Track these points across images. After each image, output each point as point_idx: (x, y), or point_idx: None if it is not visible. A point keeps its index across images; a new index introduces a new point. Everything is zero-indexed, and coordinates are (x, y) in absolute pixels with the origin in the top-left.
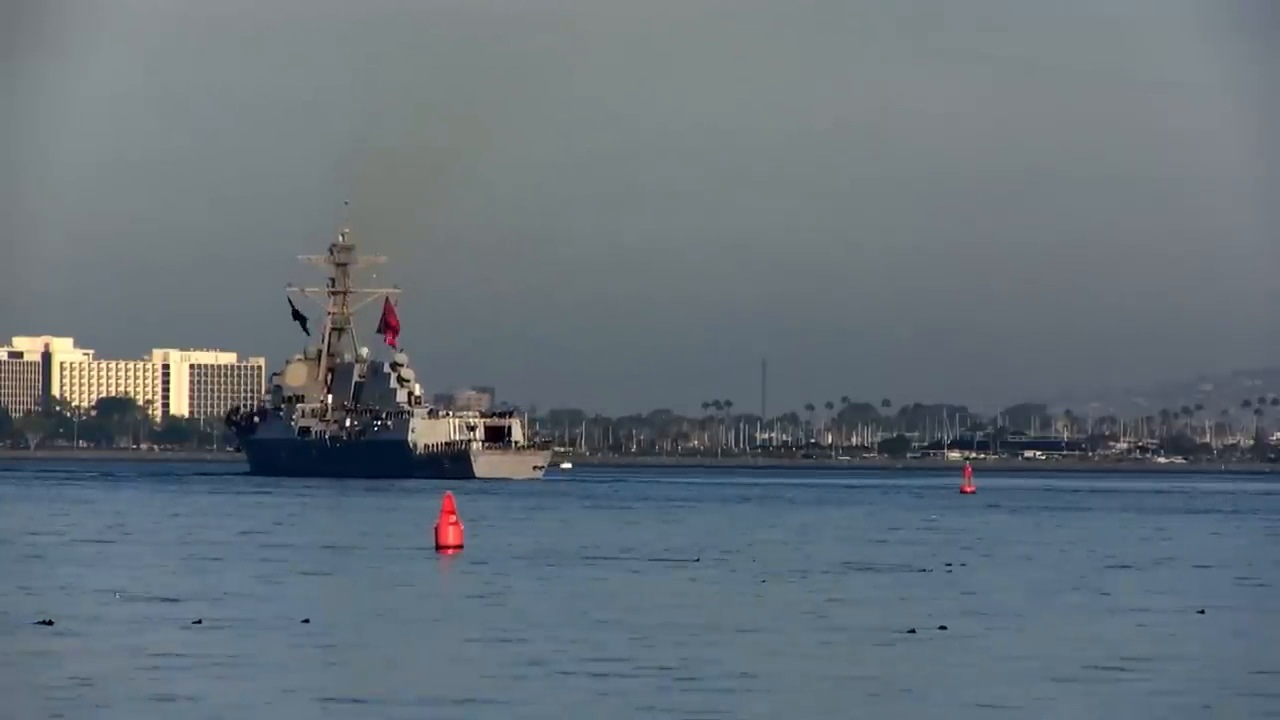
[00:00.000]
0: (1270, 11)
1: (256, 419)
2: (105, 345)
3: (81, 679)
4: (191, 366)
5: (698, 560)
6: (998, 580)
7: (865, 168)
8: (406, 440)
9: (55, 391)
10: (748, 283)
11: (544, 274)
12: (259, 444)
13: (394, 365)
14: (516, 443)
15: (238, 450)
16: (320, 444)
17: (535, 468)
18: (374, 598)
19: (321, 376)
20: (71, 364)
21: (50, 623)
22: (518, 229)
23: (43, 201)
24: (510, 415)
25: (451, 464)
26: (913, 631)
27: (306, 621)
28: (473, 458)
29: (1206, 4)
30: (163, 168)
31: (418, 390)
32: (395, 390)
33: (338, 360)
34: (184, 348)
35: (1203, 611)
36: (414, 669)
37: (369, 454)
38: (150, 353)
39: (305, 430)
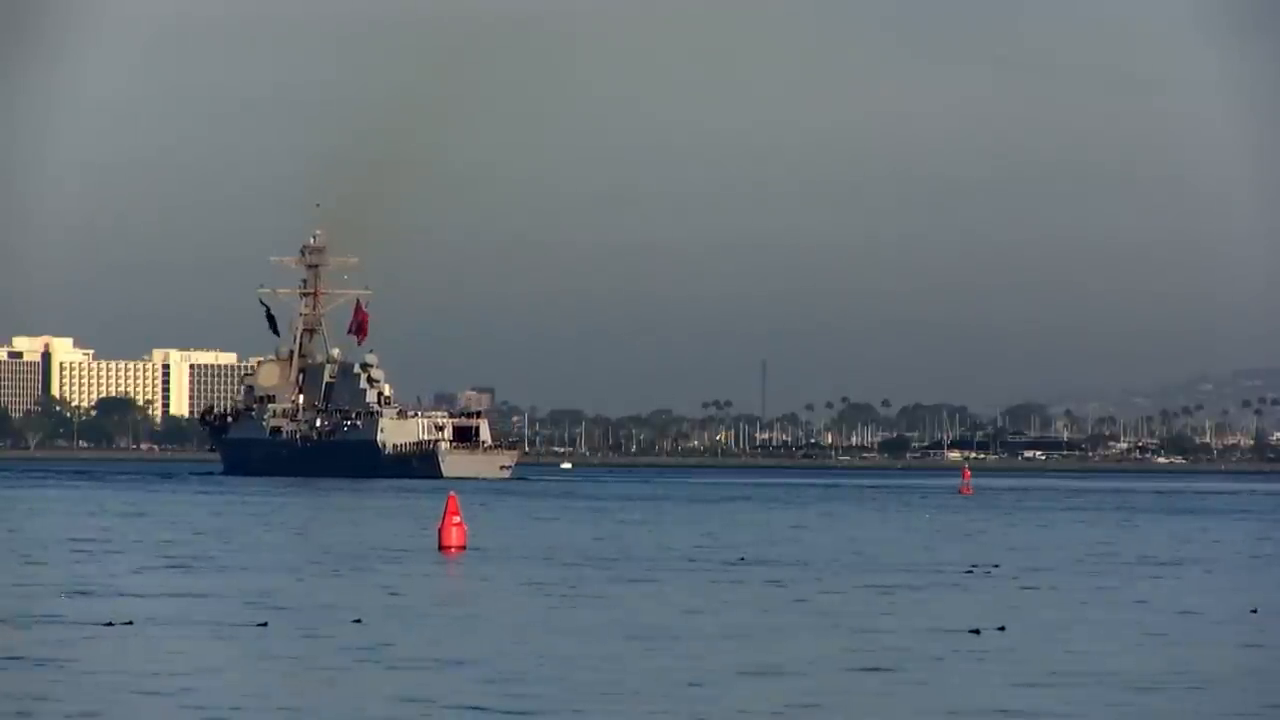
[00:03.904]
0: (1270, 11)
1: (230, 419)
2: (105, 345)
3: (177, 683)
4: (191, 366)
5: (742, 559)
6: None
7: (866, 168)
8: (376, 440)
9: (55, 391)
10: (748, 283)
11: (544, 274)
12: (232, 444)
13: (364, 366)
14: (484, 443)
15: (212, 450)
16: (291, 444)
17: (502, 467)
18: (406, 596)
19: (293, 377)
20: (71, 364)
21: (131, 623)
22: (518, 229)
23: (42, 201)
24: (479, 416)
25: (420, 464)
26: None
27: (359, 621)
28: (440, 457)
29: (1206, 4)
30: (161, 168)
31: (387, 390)
32: (365, 391)
33: (309, 361)
34: (184, 348)
35: (1255, 611)
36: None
37: (339, 454)
38: (150, 353)
39: (277, 430)
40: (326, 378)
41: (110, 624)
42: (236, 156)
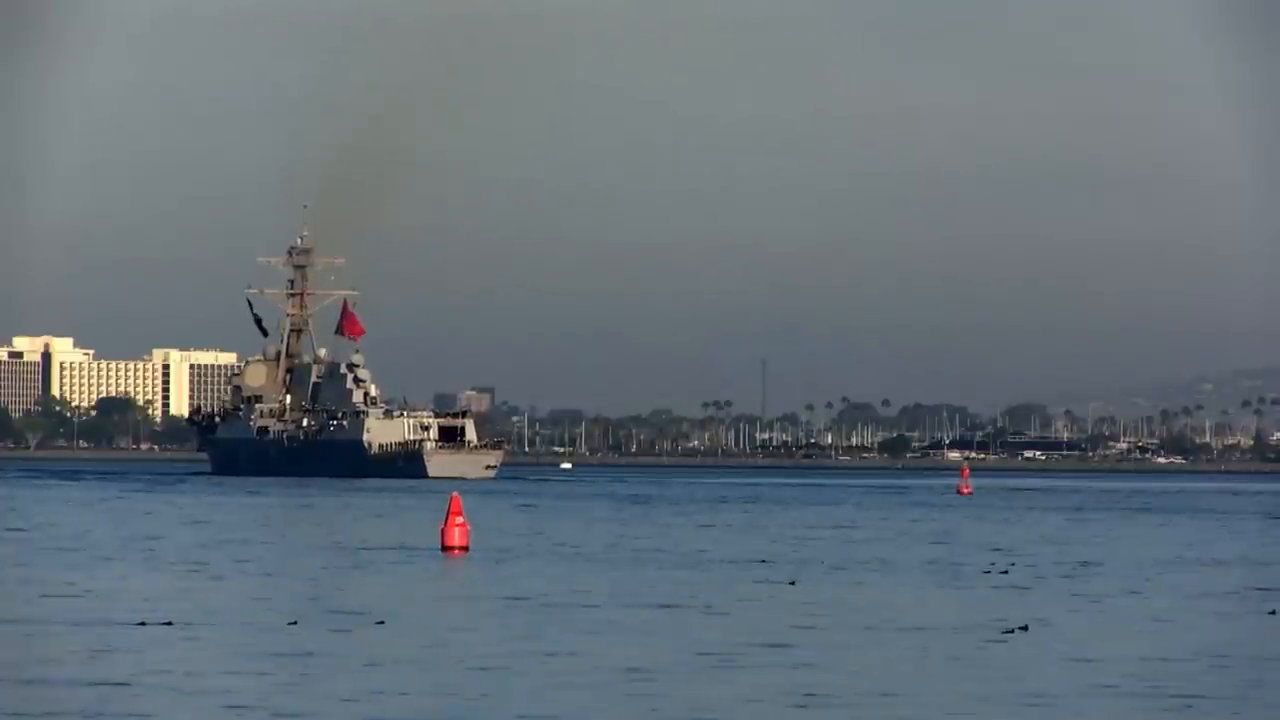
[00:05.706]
0: (1270, 11)
1: (217, 419)
2: (105, 345)
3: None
4: (191, 366)
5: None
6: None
7: (865, 167)
8: (361, 440)
9: (55, 391)
10: (748, 283)
11: (544, 274)
12: (219, 444)
13: (350, 366)
14: (470, 442)
15: (201, 450)
16: (278, 444)
17: (487, 467)
18: (418, 596)
19: (280, 377)
20: (71, 364)
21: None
22: (519, 229)
23: (43, 201)
24: (464, 415)
25: (405, 463)
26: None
27: (381, 623)
28: (426, 457)
29: (1207, 4)
30: (162, 167)
31: (374, 390)
32: (351, 391)
33: (296, 361)
34: (184, 348)
35: (1274, 612)
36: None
37: (325, 454)
38: (150, 353)
39: (264, 430)
40: (313, 378)
41: (143, 624)
42: (236, 155)
